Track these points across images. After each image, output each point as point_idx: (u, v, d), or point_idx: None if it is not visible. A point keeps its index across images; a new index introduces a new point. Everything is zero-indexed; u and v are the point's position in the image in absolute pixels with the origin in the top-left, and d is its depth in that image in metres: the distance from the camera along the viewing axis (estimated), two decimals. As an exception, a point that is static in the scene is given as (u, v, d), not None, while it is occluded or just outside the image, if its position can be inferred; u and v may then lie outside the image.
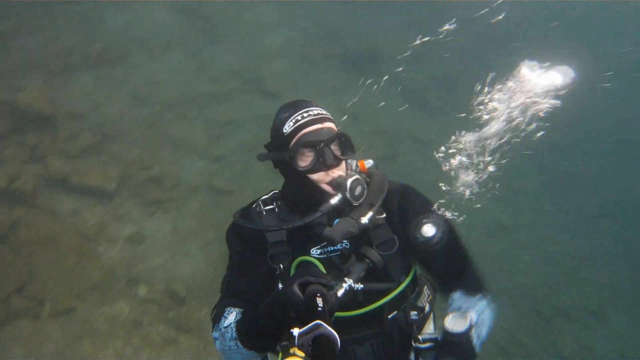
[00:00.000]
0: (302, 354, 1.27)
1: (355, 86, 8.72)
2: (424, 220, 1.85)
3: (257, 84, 10.59)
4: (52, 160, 7.66)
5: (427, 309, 1.88)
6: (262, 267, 1.93)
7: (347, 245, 1.91)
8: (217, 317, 1.90)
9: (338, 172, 1.85)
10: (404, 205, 1.98)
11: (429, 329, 1.92)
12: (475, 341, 1.77)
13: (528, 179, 10.82)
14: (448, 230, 1.86)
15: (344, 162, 1.89)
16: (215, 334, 1.88)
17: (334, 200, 1.80)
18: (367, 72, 9.63)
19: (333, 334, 1.29)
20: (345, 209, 1.87)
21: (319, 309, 1.41)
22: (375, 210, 1.87)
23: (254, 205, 2.02)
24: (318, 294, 1.47)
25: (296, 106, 1.90)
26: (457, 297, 1.91)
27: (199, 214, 7.91)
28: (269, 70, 10.97)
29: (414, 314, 1.85)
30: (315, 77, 11.23)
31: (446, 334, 1.74)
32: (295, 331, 1.31)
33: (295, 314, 1.49)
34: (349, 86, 10.61)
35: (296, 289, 1.51)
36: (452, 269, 1.96)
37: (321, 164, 1.82)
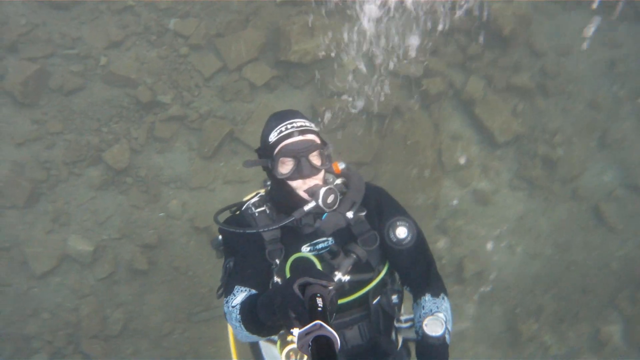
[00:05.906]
0: None
1: None
2: (398, 223, 2.09)
3: None
4: (473, 78, 6.88)
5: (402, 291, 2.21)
6: (261, 261, 2.09)
7: (332, 242, 2.12)
8: (227, 292, 2.03)
9: (314, 181, 2.04)
10: (381, 204, 2.19)
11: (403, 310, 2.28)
12: (448, 339, 1.96)
13: None
14: (417, 234, 2.12)
15: (322, 172, 2.08)
16: (226, 309, 2.00)
17: (307, 207, 1.99)
18: None
19: (333, 335, 1.30)
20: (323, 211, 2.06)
21: (319, 309, 1.42)
22: (357, 207, 2.10)
23: (244, 208, 2.22)
24: (318, 295, 1.49)
25: (283, 117, 2.09)
26: (427, 299, 2.09)
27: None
28: None
29: (394, 297, 2.17)
30: None
31: (426, 337, 1.91)
32: (296, 331, 1.38)
33: (295, 314, 1.52)
34: None
35: (296, 289, 1.54)
36: (419, 269, 2.15)
37: (298, 173, 2.00)
